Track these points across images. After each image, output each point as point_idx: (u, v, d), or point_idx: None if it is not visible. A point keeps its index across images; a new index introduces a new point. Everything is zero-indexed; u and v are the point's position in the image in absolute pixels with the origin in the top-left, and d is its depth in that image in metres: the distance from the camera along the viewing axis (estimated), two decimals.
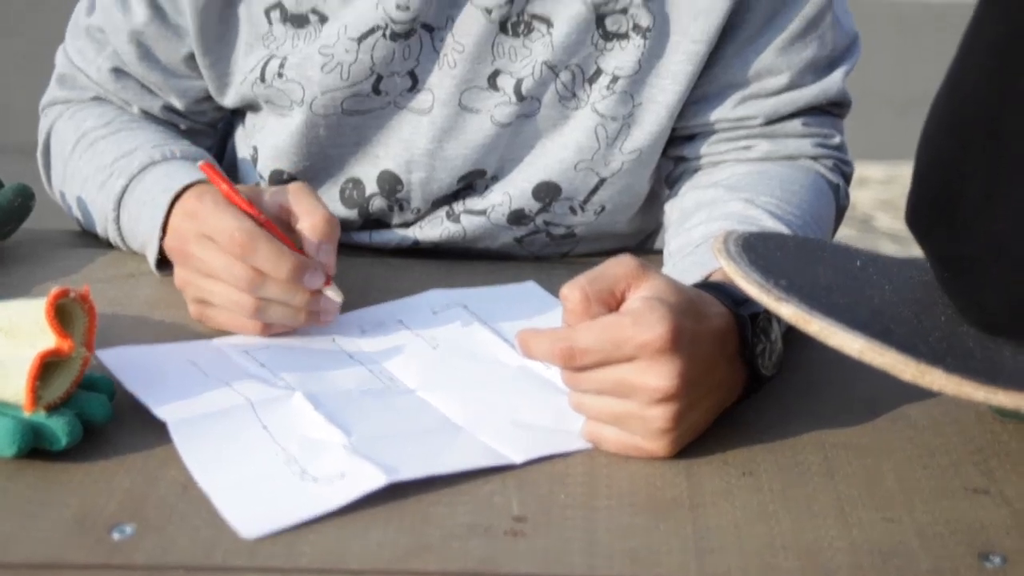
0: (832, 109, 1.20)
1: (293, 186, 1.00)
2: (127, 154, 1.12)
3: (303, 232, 0.98)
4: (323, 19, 1.10)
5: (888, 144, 4.11)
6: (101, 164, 1.14)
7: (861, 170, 4.22)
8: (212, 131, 1.27)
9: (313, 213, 0.97)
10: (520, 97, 1.11)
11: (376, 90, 1.11)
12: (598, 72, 1.10)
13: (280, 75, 1.12)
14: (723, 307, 0.87)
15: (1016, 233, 0.72)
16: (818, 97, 1.15)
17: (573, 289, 0.84)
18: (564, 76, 1.10)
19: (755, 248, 0.82)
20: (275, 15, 1.10)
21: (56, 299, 0.85)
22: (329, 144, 1.16)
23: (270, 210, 0.98)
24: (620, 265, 0.84)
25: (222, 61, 1.14)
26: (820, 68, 1.15)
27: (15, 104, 4.51)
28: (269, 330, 0.99)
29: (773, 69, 1.13)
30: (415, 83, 1.11)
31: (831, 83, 1.15)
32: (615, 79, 1.10)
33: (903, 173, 4.09)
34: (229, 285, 0.95)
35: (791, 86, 1.14)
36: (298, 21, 1.10)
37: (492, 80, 1.10)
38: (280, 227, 0.98)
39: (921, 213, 0.78)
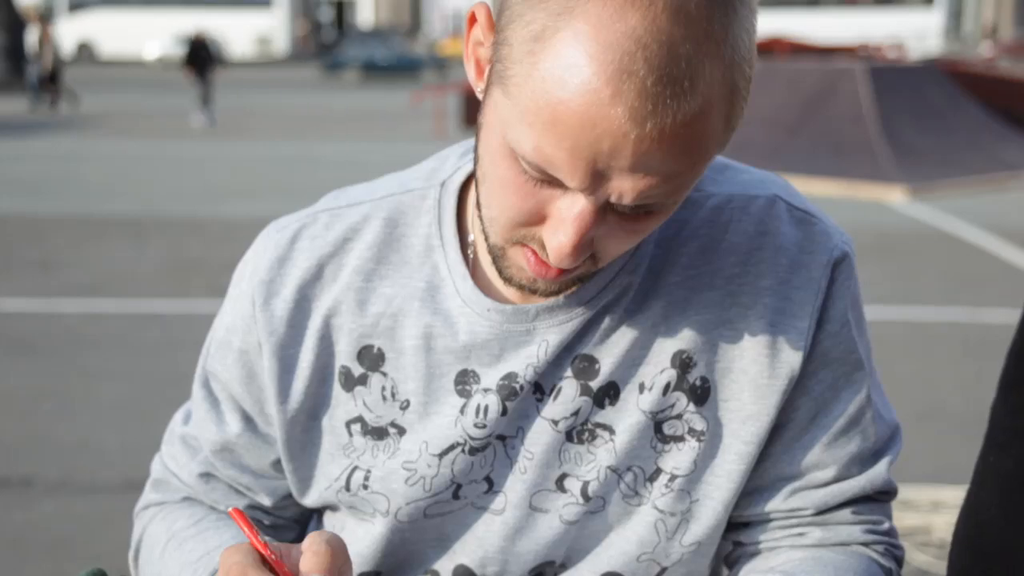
0: (879, 496, 1.24)
1: (313, 544, 0.97)
2: (211, 551, 1.18)
3: None
4: (402, 432, 1.16)
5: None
6: (187, 561, 1.19)
7: (936, 494, 4.20)
8: (296, 526, 1.31)
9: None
10: (586, 498, 1.15)
11: (456, 496, 1.17)
12: (658, 471, 1.15)
13: (365, 486, 1.17)
14: None
15: None
16: (865, 488, 1.19)
17: None
18: (627, 477, 1.15)
19: None
20: (356, 428, 1.17)
21: None
22: (411, 543, 1.20)
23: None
24: None
25: (305, 467, 1.20)
26: (865, 459, 1.19)
27: (108, 444, 4.69)
28: None
29: (820, 463, 1.17)
30: (491, 486, 1.16)
31: (876, 474, 1.19)
32: (673, 478, 1.15)
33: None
34: None
35: (838, 478, 1.18)
36: (378, 434, 1.16)
37: (560, 483, 1.15)
38: None
39: None
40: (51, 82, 21.84)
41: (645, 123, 0.87)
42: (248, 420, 1.21)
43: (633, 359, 1.12)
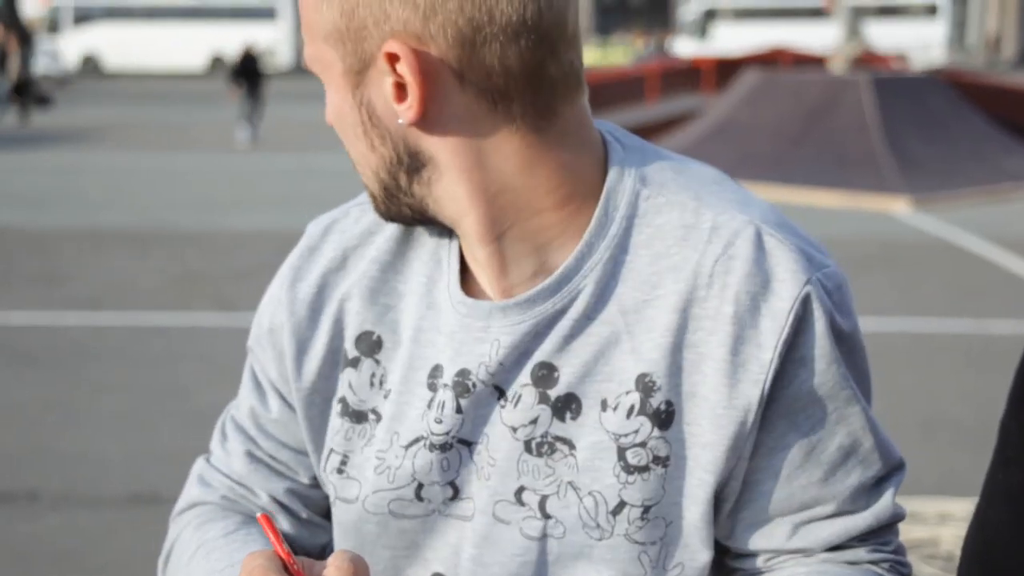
0: (887, 527, 1.22)
1: (336, 560, 1.00)
2: (235, 564, 1.18)
3: None
4: (379, 419, 1.17)
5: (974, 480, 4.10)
6: (213, 569, 1.20)
7: (943, 506, 4.20)
8: (329, 525, 1.31)
9: None
10: (545, 514, 1.13)
11: (419, 497, 1.16)
12: (622, 504, 1.13)
13: (341, 471, 1.19)
14: None
15: None
16: (871, 525, 1.16)
17: None
18: (587, 502, 1.13)
19: None
20: (337, 407, 1.19)
21: None
22: (382, 548, 1.20)
23: None
24: None
25: (318, 447, 1.22)
26: (868, 491, 1.16)
27: (111, 456, 4.70)
28: None
29: (820, 499, 1.14)
30: (456, 492, 1.16)
31: (882, 508, 1.16)
32: (647, 508, 1.12)
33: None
34: None
35: (840, 512, 1.15)
36: (357, 417, 1.18)
37: (519, 495, 1.14)
38: None
39: None
40: (17, 94, 21.59)
41: None
42: (281, 397, 1.24)
43: (594, 372, 1.11)
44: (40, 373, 5.80)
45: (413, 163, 1.08)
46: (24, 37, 26.30)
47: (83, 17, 46.20)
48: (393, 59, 1.03)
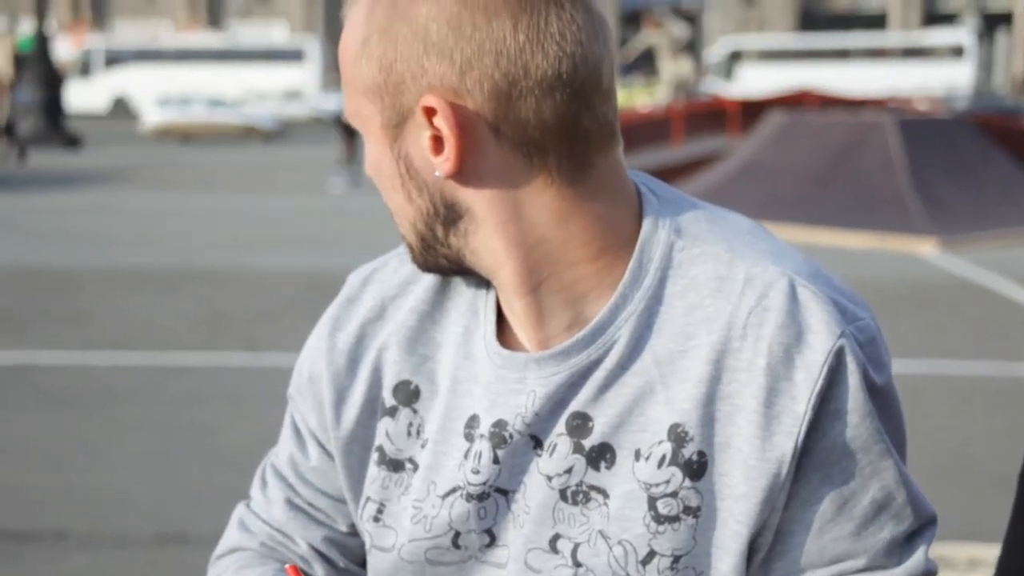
0: None
1: None
2: None
3: None
4: (416, 468, 1.18)
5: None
6: None
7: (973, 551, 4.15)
8: (365, 574, 1.31)
9: None
10: (576, 563, 1.14)
11: (456, 545, 1.17)
12: (652, 554, 1.13)
13: (377, 519, 1.19)
14: None
15: None
16: None
17: None
18: (616, 551, 1.13)
19: None
20: (375, 456, 1.19)
21: None
22: None
23: None
24: None
25: (356, 495, 1.23)
26: (900, 546, 1.15)
27: (138, 497, 4.71)
28: None
29: (852, 553, 1.13)
30: (493, 540, 1.17)
31: (915, 564, 1.15)
32: (677, 559, 1.13)
33: None
34: None
35: (871, 567, 1.14)
36: (394, 466, 1.19)
37: (553, 543, 1.14)
38: None
39: None
40: (7, 134, 21.61)
41: None
42: (320, 445, 1.25)
43: (629, 423, 1.11)
44: (66, 412, 5.83)
45: (450, 215, 1.10)
46: (54, 79, 26.62)
47: (114, 60, 46.76)
48: (430, 113, 1.05)
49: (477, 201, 1.08)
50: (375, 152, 1.12)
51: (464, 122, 1.05)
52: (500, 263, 1.11)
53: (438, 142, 1.06)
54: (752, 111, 18.13)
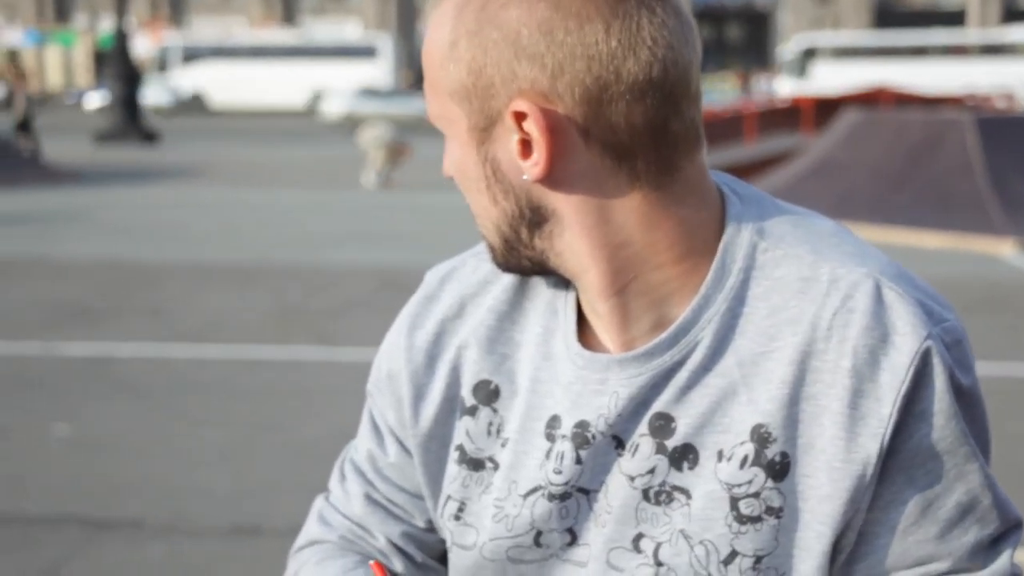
0: None
1: None
2: None
3: None
4: (496, 467, 1.19)
5: None
6: None
7: None
8: (443, 569, 1.33)
9: None
10: (658, 562, 1.15)
11: (537, 543, 1.18)
12: (733, 554, 1.13)
13: (458, 517, 1.20)
14: None
15: None
16: None
17: None
18: (698, 550, 1.13)
19: None
20: (455, 454, 1.21)
21: None
22: None
23: None
24: None
25: (434, 492, 1.24)
26: (985, 550, 1.15)
27: (214, 488, 4.79)
28: None
29: (935, 555, 1.14)
30: (574, 538, 1.17)
31: (1000, 567, 1.15)
32: (759, 559, 1.13)
33: None
34: None
35: (955, 570, 1.14)
36: (475, 465, 1.20)
37: (636, 542, 1.15)
38: None
39: None
40: (23, 130, 21.41)
41: None
42: (399, 442, 1.26)
43: (711, 423, 1.12)
44: (145, 403, 5.93)
45: (535, 217, 1.10)
46: (133, 75, 27.01)
47: (191, 56, 47.37)
48: (520, 117, 1.05)
49: (564, 204, 1.09)
50: (458, 153, 1.13)
51: (555, 126, 1.05)
52: (585, 266, 1.11)
53: (526, 146, 1.06)
54: (827, 109, 17.95)
